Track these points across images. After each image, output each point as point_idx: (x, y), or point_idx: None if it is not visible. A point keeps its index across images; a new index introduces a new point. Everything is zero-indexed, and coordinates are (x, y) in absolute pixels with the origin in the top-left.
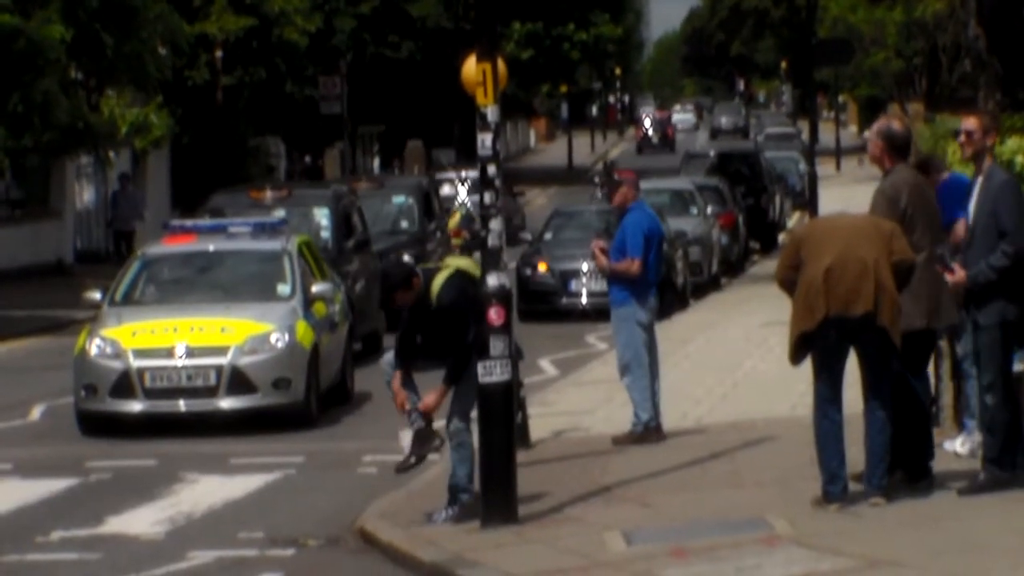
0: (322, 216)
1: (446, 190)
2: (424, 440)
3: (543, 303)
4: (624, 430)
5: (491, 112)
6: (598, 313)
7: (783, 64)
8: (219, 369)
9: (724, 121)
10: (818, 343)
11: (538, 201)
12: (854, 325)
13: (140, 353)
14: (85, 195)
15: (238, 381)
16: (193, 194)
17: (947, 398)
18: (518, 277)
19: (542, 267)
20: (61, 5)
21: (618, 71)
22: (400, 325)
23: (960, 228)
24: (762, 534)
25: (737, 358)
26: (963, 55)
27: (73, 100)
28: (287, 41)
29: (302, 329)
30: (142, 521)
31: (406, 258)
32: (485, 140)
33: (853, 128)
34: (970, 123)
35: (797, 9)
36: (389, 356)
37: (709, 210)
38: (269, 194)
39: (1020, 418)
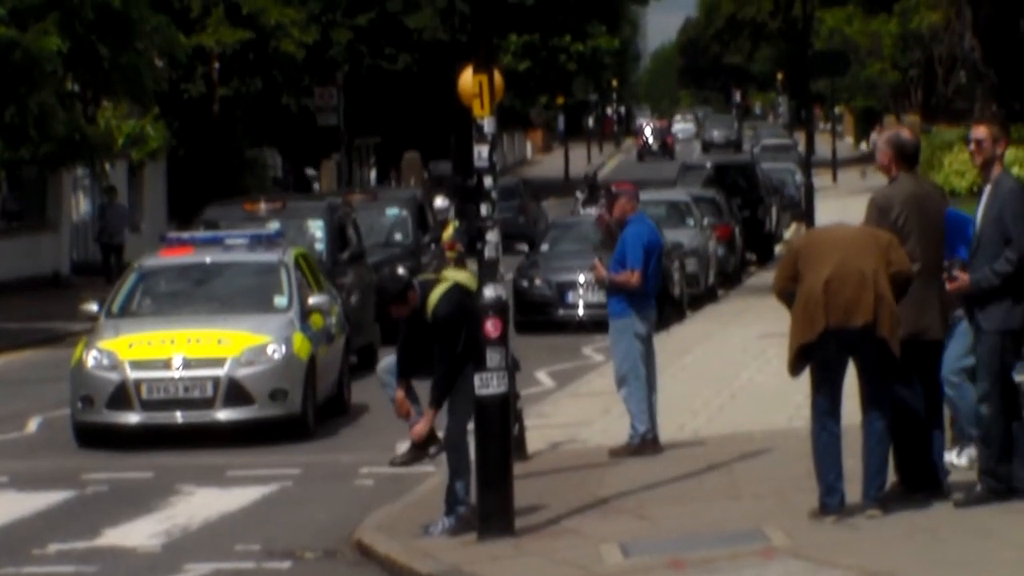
0: (316, 228)
1: None
2: (423, 445)
3: (540, 315)
4: (621, 442)
5: (487, 124)
6: (595, 325)
7: (779, 76)
8: (216, 381)
9: (716, 134)
10: (818, 354)
11: None
12: (854, 336)
13: (137, 365)
14: (82, 207)
15: (235, 393)
16: (189, 206)
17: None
18: (515, 289)
19: (538, 279)
20: (58, 17)
21: (614, 83)
22: (399, 337)
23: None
24: (759, 546)
25: (734, 370)
26: (959, 66)
27: (70, 112)
28: (283, 53)
29: (299, 341)
30: (139, 534)
31: (401, 270)
32: (482, 152)
33: (849, 139)
34: (980, 132)
35: (793, 21)
36: (385, 363)
37: (706, 222)
38: (263, 206)
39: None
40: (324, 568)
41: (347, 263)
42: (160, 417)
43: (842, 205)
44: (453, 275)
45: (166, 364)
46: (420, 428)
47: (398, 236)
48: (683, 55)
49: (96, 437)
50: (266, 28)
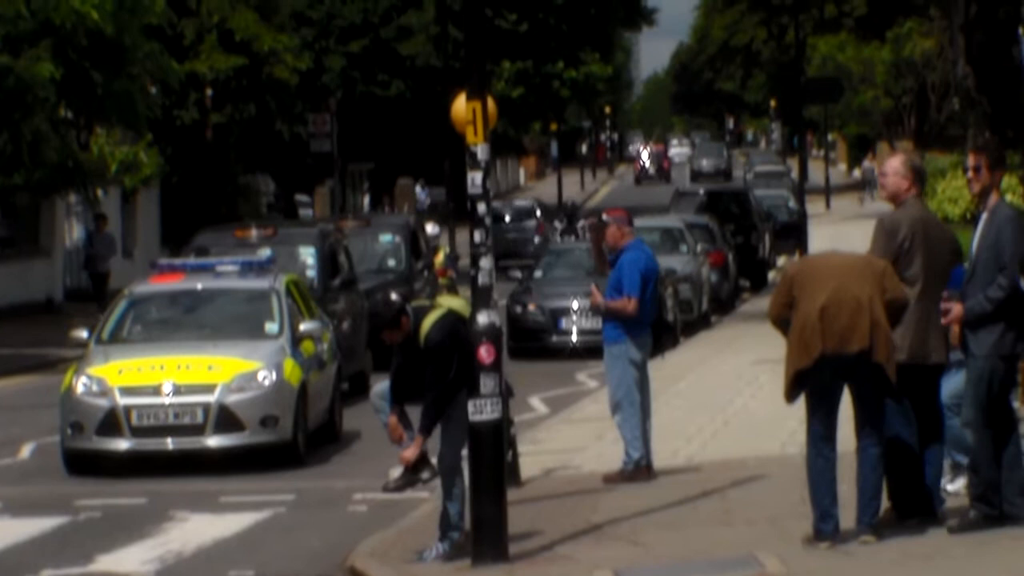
0: (308, 255)
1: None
2: (416, 468)
3: (533, 341)
4: (615, 468)
5: (481, 150)
6: (588, 351)
7: (772, 102)
8: (206, 407)
9: (705, 164)
10: (813, 381)
11: None
12: (849, 362)
13: (127, 391)
14: (75, 233)
15: (225, 419)
16: (183, 232)
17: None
18: (508, 315)
19: (531, 305)
20: (51, 44)
21: (607, 110)
22: (393, 363)
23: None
24: (753, 572)
25: (728, 396)
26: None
27: (63, 139)
28: (277, 79)
29: (290, 367)
30: (132, 560)
31: (394, 296)
32: (475, 178)
33: (842, 166)
34: (976, 160)
35: (786, 48)
36: (378, 388)
37: (699, 248)
38: (254, 232)
39: (1015, 455)
40: None
41: (338, 290)
42: (150, 444)
43: (835, 232)
44: (447, 302)
45: (156, 390)
46: (409, 453)
47: (391, 262)
48: (676, 82)
49: (86, 464)
50: (259, 54)
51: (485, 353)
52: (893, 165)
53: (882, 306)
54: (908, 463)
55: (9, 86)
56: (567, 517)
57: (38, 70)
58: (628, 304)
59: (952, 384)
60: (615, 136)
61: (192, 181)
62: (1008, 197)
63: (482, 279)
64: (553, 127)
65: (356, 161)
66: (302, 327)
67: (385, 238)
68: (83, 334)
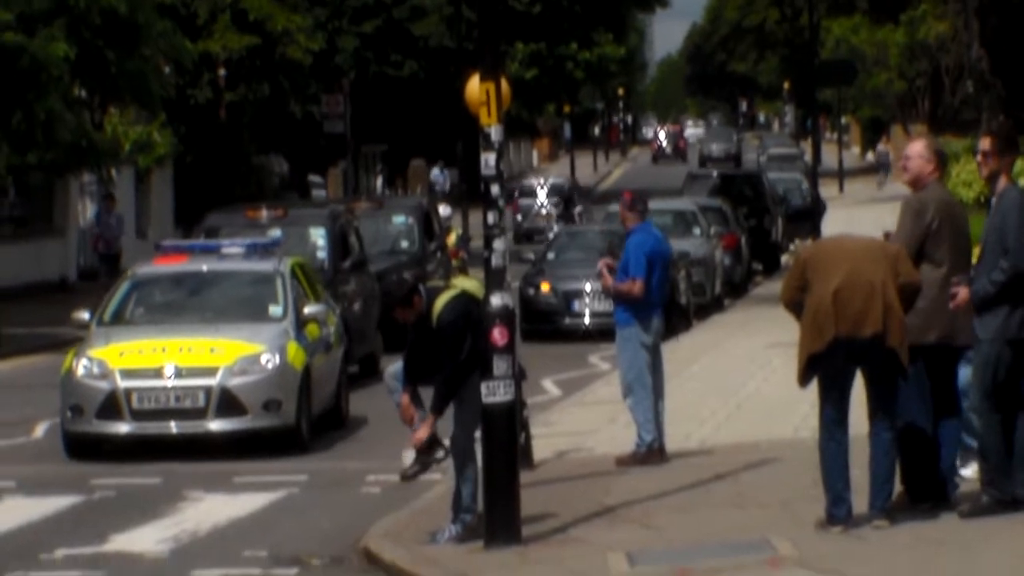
0: (318, 236)
1: (540, 196)
2: (429, 449)
3: (546, 323)
4: (627, 451)
5: (494, 132)
6: (601, 333)
7: (786, 85)
8: (208, 390)
9: (715, 148)
10: (826, 364)
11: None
12: (863, 346)
13: (127, 373)
14: (88, 213)
15: (228, 403)
16: (196, 212)
17: None
18: (521, 297)
19: (544, 287)
20: (65, 23)
21: (621, 91)
22: (407, 342)
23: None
24: (766, 556)
25: (741, 379)
26: (966, 76)
27: (77, 118)
28: (290, 60)
29: (293, 350)
30: (146, 539)
31: (407, 275)
32: (488, 160)
33: (856, 149)
34: (985, 144)
35: (800, 30)
36: (392, 369)
37: (712, 231)
38: (265, 213)
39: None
40: (331, 574)
41: (349, 271)
42: (151, 427)
43: (848, 215)
44: (461, 283)
45: (157, 373)
46: (420, 433)
47: (404, 244)
48: (690, 64)
49: (86, 447)
50: (273, 34)
51: (498, 335)
52: (916, 148)
53: (895, 290)
54: (922, 447)
55: (23, 65)
56: (580, 500)
57: (52, 49)
58: (633, 286)
59: (968, 370)
60: (628, 118)
61: (205, 161)
62: (1022, 182)
63: (496, 261)
64: (566, 109)
65: (369, 142)
66: (307, 310)
67: (398, 219)
68: (85, 316)
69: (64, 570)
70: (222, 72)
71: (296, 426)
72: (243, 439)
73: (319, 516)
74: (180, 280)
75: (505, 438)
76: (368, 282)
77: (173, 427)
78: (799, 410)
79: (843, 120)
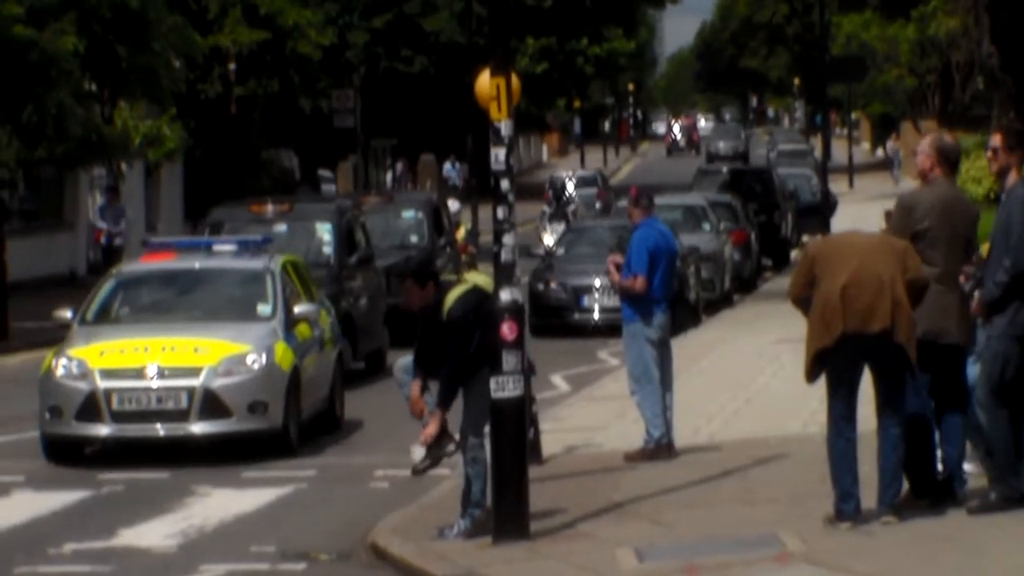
0: (324, 231)
1: (569, 188)
2: (438, 444)
3: (555, 318)
4: (636, 446)
5: (504, 127)
6: (610, 329)
7: (796, 81)
8: (191, 391)
9: (722, 146)
10: (834, 360)
11: None
12: (871, 342)
13: (107, 374)
14: (98, 206)
15: (211, 404)
16: (206, 207)
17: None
18: (531, 292)
19: (554, 282)
20: (75, 17)
21: (631, 87)
22: (417, 335)
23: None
24: (774, 551)
25: (749, 375)
26: (976, 73)
27: (87, 112)
28: (300, 54)
29: (281, 351)
30: (154, 534)
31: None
32: (498, 155)
33: (866, 145)
34: (995, 140)
35: (810, 25)
36: (401, 362)
37: (722, 226)
38: (270, 208)
39: None
40: (339, 570)
41: (355, 266)
42: (131, 429)
43: (858, 211)
44: (473, 278)
45: (138, 373)
46: (429, 428)
47: (413, 238)
48: (700, 59)
49: (65, 450)
50: (283, 29)
51: (508, 330)
52: (922, 144)
53: (903, 286)
54: (922, 443)
55: (33, 59)
56: (589, 495)
57: (62, 43)
58: (636, 282)
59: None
60: (638, 113)
61: (215, 155)
62: None
63: (505, 256)
64: (576, 104)
65: (379, 137)
66: (297, 309)
67: (407, 214)
68: (67, 314)
69: (72, 564)
70: (232, 67)
71: (283, 429)
72: (228, 442)
73: (327, 511)
74: (166, 278)
75: (514, 433)
76: (374, 278)
77: (155, 430)
78: (808, 406)
79: (853, 116)
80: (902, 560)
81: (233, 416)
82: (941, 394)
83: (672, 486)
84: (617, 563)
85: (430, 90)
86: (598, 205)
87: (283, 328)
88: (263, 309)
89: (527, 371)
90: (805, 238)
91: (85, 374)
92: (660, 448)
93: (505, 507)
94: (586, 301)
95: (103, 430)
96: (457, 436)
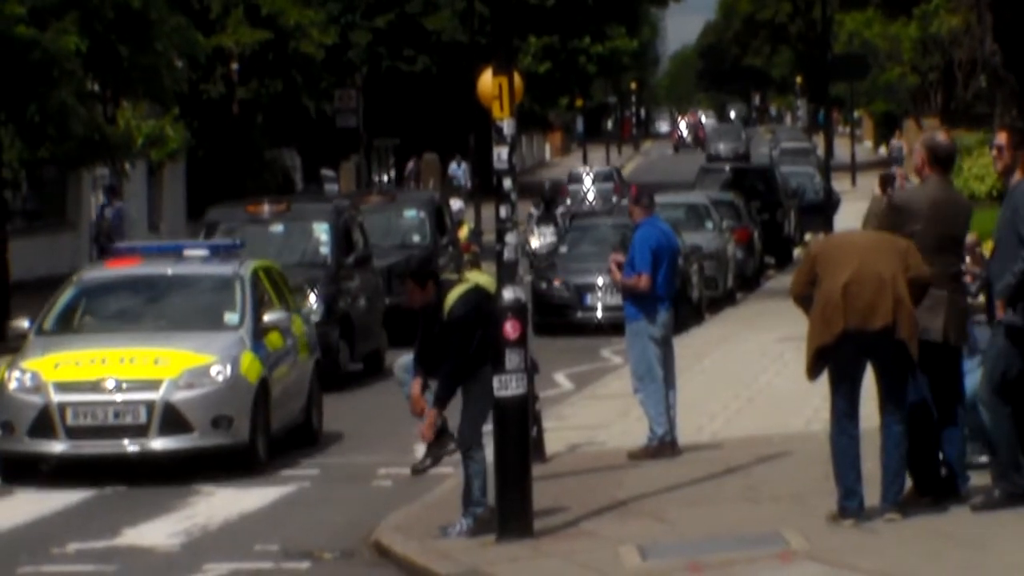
0: (321, 231)
1: (586, 183)
2: (439, 442)
3: (559, 316)
4: (639, 444)
5: (507, 126)
6: (613, 327)
7: (798, 79)
8: (150, 405)
9: (723, 148)
10: (836, 357)
11: None
12: (873, 339)
13: (62, 387)
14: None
15: (172, 419)
16: (208, 206)
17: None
18: (533, 290)
19: (557, 281)
20: (77, 16)
21: (633, 85)
22: (418, 333)
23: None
24: (778, 549)
25: (752, 373)
26: (979, 71)
27: (89, 112)
28: (303, 54)
29: (247, 361)
30: (158, 533)
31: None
32: (501, 154)
33: (869, 143)
34: (1000, 138)
35: (813, 23)
36: (402, 361)
37: (724, 225)
38: (267, 208)
39: None
40: (342, 568)
41: (353, 267)
42: (87, 446)
43: (861, 209)
44: (475, 277)
45: (95, 386)
46: (425, 428)
47: (416, 238)
48: (703, 58)
49: (19, 468)
50: (285, 29)
51: (511, 328)
52: (918, 143)
53: (905, 283)
54: (923, 440)
55: (35, 59)
56: (592, 493)
57: (64, 43)
58: (639, 280)
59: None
60: (641, 112)
61: (218, 155)
62: None
63: (508, 254)
64: (579, 103)
65: (381, 136)
66: (267, 317)
67: (409, 213)
68: (24, 324)
69: (76, 564)
70: (235, 67)
71: (250, 445)
72: (190, 459)
73: (330, 510)
74: (130, 285)
75: (517, 431)
76: (372, 278)
77: (112, 446)
78: (811, 403)
79: (856, 114)
80: (906, 557)
81: (195, 431)
82: (938, 392)
83: (675, 484)
84: (620, 561)
85: (432, 89)
86: (615, 199)
87: (251, 337)
88: (230, 318)
89: (530, 369)
90: (808, 236)
91: (38, 387)
92: (663, 446)
93: (508, 505)
94: (589, 299)
95: (57, 447)
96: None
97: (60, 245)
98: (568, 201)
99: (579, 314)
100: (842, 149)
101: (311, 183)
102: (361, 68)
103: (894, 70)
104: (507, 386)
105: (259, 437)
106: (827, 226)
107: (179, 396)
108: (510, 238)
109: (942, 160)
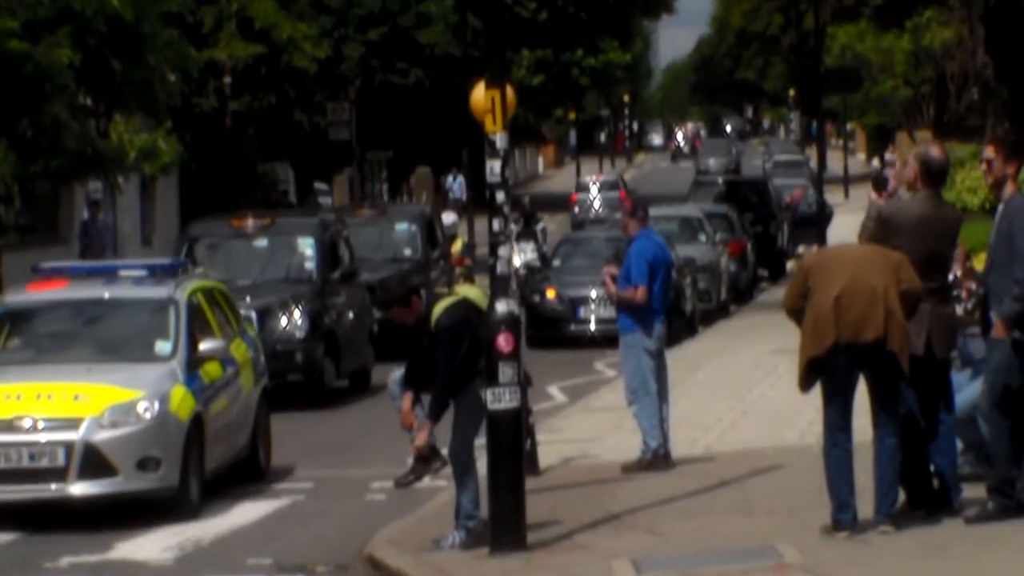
0: (307, 246)
1: (592, 191)
2: (426, 460)
3: (552, 329)
4: (633, 457)
5: (500, 139)
6: (607, 340)
7: (791, 92)
8: (69, 446)
9: (712, 163)
10: (828, 370)
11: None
12: (864, 351)
13: None
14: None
15: (93, 461)
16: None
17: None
18: (527, 303)
19: (550, 294)
20: (70, 31)
21: (626, 98)
22: (409, 348)
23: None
24: (771, 562)
25: (746, 385)
26: (971, 83)
27: (82, 126)
28: (296, 68)
29: (179, 397)
30: (151, 547)
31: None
32: (494, 167)
33: (861, 156)
34: (989, 151)
35: (805, 36)
36: (395, 375)
37: (718, 237)
38: (251, 222)
39: None
40: None
41: (339, 282)
42: (0, 491)
43: (854, 221)
44: (464, 291)
45: (8, 426)
46: (418, 441)
47: (407, 251)
48: (696, 71)
49: None
50: (278, 43)
51: (504, 341)
52: (911, 156)
53: (897, 296)
54: (915, 453)
55: (28, 73)
56: (585, 506)
57: (57, 57)
58: (636, 293)
59: (970, 392)
60: (634, 125)
61: (211, 169)
62: None
63: (501, 268)
64: (572, 115)
65: (374, 149)
66: (203, 346)
67: (401, 227)
68: None
69: None
70: (228, 80)
71: (181, 488)
72: (114, 504)
73: (324, 523)
74: (53, 311)
75: (511, 444)
76: (359, 293)
77: (28, 491)
78: (805, 416)
79: (848, 127)
80: (899, 570)
81: (119, 474)
82: (927, 405)
83: (669, 497)
84: (614, 574)
85: (425, 103)
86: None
87: (184, 369)
88: (161, 347)
89: (523, 382)
90: (801, 249)
91: None
92: (657, 459)
93: (502, 518)
94: (582, 312)
95: None
96: (445, 451)
97: (52, 259)
98: (576, 209)
99: (572, 327)
100: (835, 162)
101: (309, 196)
102: (354, 81)
103: (887, 83)
104: (500, 399)
105: (191, 479)
106: (820, 239)
107: (101, 436)
108: (503, 251)
109: (934, 175)
